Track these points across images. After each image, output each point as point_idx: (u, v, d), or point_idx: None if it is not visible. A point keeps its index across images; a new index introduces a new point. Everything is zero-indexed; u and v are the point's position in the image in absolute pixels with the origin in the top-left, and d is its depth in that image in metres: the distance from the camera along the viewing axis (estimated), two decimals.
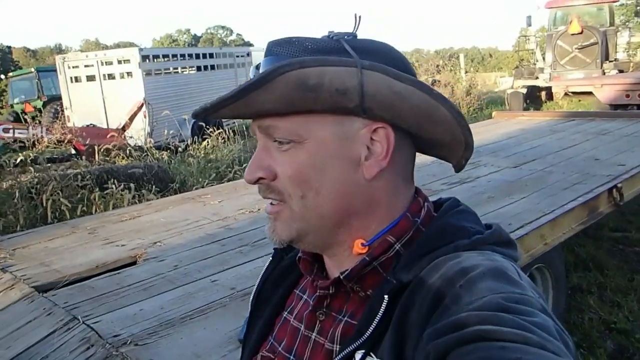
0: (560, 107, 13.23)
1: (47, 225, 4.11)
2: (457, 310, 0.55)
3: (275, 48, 0.68)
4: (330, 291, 0.72)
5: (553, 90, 12.97)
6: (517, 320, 0.51)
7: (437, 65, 17.07)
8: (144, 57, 11.54)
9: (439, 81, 15.17)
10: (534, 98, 14.47)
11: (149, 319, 1.96)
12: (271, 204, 0.71)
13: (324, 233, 0.70)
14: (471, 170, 3.97)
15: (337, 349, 0.68)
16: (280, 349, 0.77)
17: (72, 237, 3.15)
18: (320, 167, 0.67)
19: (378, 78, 0.64)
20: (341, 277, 0.69)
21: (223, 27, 65.53)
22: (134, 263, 2.63)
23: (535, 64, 15.44)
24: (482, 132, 5.89)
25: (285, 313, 0.80)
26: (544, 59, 14.57)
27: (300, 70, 0.62)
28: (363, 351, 0.63)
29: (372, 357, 0.63)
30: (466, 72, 18.02)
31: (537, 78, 14.44)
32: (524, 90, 14.19)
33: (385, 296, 0.64)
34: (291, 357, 0.74)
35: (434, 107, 0.68)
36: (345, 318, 0.70)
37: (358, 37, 0.68)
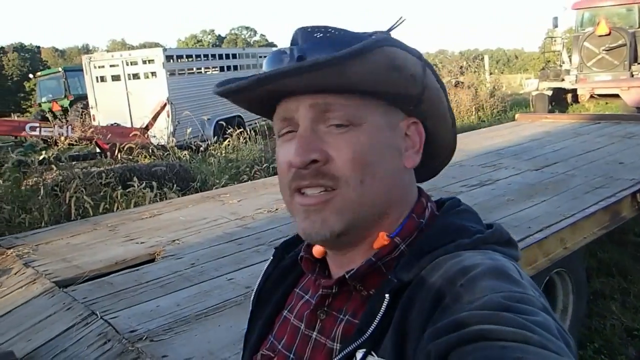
0: (586, 109, 13.02)
1: (70, 222, 4.18)
2: (458, 310, 0.55)
3: (318, 33, 0.67)
4: (334, 290, 0.71)
5: (578, 92, 12.76)
6: (517, 319, 0.51)
7: (461, 67, 16.94)
8: (168, 57, 11.67)
9: (462, 82, 15.04)
10: (560, 100, 14.23)
11: (164, 315, 1.98)
12: (308, 195, 0.67)
13: (369, 223, 0.69)
14: (491, 173, 3.94)
15: (338, 347, 0.68)
16: (280, 347, 0.77)
17: (93, 234, 3.20)
18: (378, 152, 0.67)
19: (430, 74, 0.70)
20: (347, 276, 0.69)
21: (247, 28, 65.94)
22: (152, 260, 2.66)
23: (561, 66, 15.20)
24: (504, 135, 5.84)
25: (286, 312, 0.80)
26: (570, 60, 14.33)
27: (394, 48, 0.64)
28: (364, 350, 0.63)
29: (373, 356, 0.62)
30: (491, 73, 17.84)
31: (562, 80, 14.20)
32: (549, 93, 13.96)
33: (386, 295, 0.64)
34: (291, 356, 0.74)
35: (447, 111, 0.76)
36: (347, 317, 0.70)
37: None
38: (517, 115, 7.61)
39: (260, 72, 0.66)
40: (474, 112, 14.14)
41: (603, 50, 13.25)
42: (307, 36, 0.67)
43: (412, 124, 0.72)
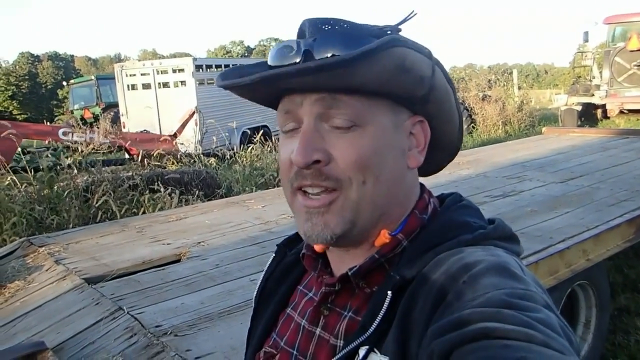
0: (617, 125, 12.82)
1: (99, 223, 4.29)
2: (460, 307, 0.55)
3: (327, 26, 0.66)
4: (337, 287, 0.71)
5: (607, 107, 12.57)
6: (520, 316, 0.51)
7: (489, 80, 16.84)
8: (198, 67, 11.88)
9: (489, 96, 14.94)
10: (589, 116, 14.04)
11: (189, 312, 2.04)
12: (310, 197, 0.67)
13: (371, 223, 0.68)
14: (516, 184, 3.93)
15: (341, 344, 0.68)
16: (282, 344, 0.77)
17: (122, 234, 3.29)
18: (381, 153, 0.66)
19: (440, 74, 0.69)
20: (349, 273, 0.68)
21: (275, 39, 66.55)
22: (178, 261, 2.73)
23: (591, 81, 15.01)
24: (530, 147, 5.80)
25: (289, 309, 0.80)
26: (601, 75, 14.14)
27: (401, 48, 0.62)
28: (367, 347, 0.63)
29: (375, 352, 0.62)
30: (519, 88, 17.68)
31: (592, 95, 14.01)
32: (579, 108, 13.79)
33: (389, 292, 0.63)
34: (294, 352, 0.74)
35: (455, 111, 0.75)
36: (350, 314, 0.69)
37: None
38: (544, 129, 7.55)
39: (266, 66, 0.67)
40: (500, 126, 14.04)
41: (634, 65, 13.04)
42: (314, 29, 0.66)
43: (417, 122, 0.71)
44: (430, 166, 0.79)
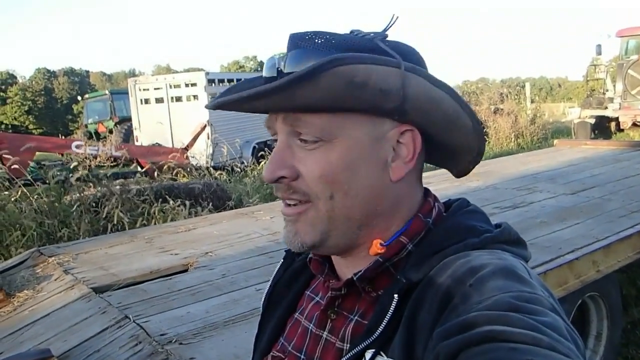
0: (630, 138, 12.71)
1: (108, 234, 4.32)
2: (467, 310, 0.54)
3: (302, 42, 0.65)
4: (343, 292, 0.71)
5: (620, 119, 12.50)
6: (527, 320, 0.50)
7: (501, 94, 16.81)
8: (210, 81, 11.98)
9: (502, 109, 14.91)
10: (603, 129, 13.95)
11: (194, 321, 2.04)
12: (288, 204, 0.69)
13: (348, 235, 0.68)
14: (526, 196, 3.90)
15: (348, 347, 0.67)
16: (290, 348, 0.76)
17: (130, 245, 3.31)
18: (350, 168, 0.65)
19: (418, 82, 0.64)
20: (354, 278, 0.68)
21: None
22: (185, 270, 2.74)
23: (604, 94, 14.93)
24: (542, 159, 5.77)
25: (297, 314, 0.80)
26: (614, 88, 14.07)
27: (350, 65, 0.60)
28: (373, 350, 0.62)
29: (382, 356, 0.62)
30: (532, 101, 17.64)
31: (606, 108, 13.94)
32: (592, 121, 13.71)
33: (395, 295, 0.63)
34: (302, 357, 0.74)
35: (459, 114, 0.69)
36: (356, 317, 0.69)
37: (387, 39, 0.67)
38: (556, 141, 7.51)
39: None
40: (513, 139, 13.99)
41: None
42: (291, 44, 0.66)
43: (406, 131, 0.68)
44: (456, 170, 0.79)
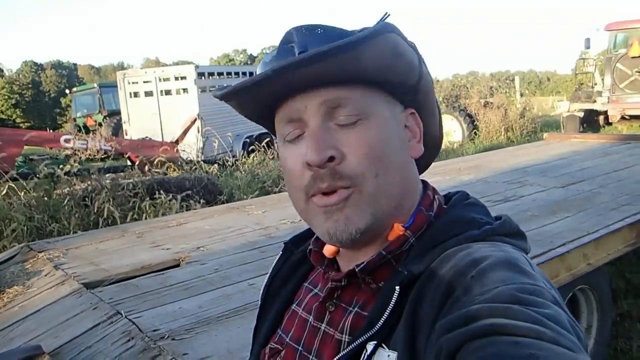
0: (619, 131, 12.80)
1: (99, 229, 4.29)
2: (469, 302, 0.54)
3: (307, 31, 0.66)
4: (343, 283, 0.71)
5: (609, 113, 12.58)
6: (529, 312, 0.50)
7: (491, 87, 16.85)
8: (200, 74, 11.90)
9: (491, 103, 14.95)
10: (592, 122, 14.03)
11: (187, 316, 2.03)
12: (326, 194, 0.66)
13: (388, 215, 0.68)
14: (516, 189, 3.92)
15: (347, 339, 0.68)
16: (288, 340, 0.77)
17: (121, 240, 3.29)
18: (388, 143, 0.67)
19: (424, 64, 0.71)
20: (357, 269, 0.68)
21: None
22: (177, 265, 2.72)
23: (593, 88, 15.02)
24: (531, 153, 5.80)
25: (294, 306, 0.80)
26: (602, 82, 14.14)
27: (394, 34, 0.65)
28: (375, 342, 0.63)
29: (384, 348, 0.62)
30: (522, 94, 17.70)
31: (594, 102, 14.02)
32: (581, 114, 13.78)
33: (397, 287, 0.63)
34: (299, 348, 0.74)
35: (436, 104, 0.77)
36: (355, 309, 0.69)
37: None
38: (545, 135, 7.56)
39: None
40: (503, 133, 14.04)
41: (636, 71, 13.04)
42: (304, 33, 0.66)
43: (410, 114, 0.73)
44: (419, 165, 0.78)
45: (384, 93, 0.69)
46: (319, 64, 0.61)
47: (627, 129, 12.52)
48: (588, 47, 15.39)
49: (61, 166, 6.45)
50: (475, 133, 13.98)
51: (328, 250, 0.75)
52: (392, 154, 0.67)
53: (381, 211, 0.67)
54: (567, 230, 2.77)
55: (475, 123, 14.13)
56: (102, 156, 8.49)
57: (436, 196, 0.75)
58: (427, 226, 0.70)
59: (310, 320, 0.75)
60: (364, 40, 0.61)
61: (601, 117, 14.01)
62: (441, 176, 4.58)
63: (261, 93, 0.66)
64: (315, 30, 0.66)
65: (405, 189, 0.70)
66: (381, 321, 0.63)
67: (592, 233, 2.68)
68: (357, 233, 0.66)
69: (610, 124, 13.64)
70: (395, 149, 0.68)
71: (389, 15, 0.67)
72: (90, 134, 9.43)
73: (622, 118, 12.41)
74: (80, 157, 7.57)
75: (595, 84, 14.54)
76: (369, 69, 0.64)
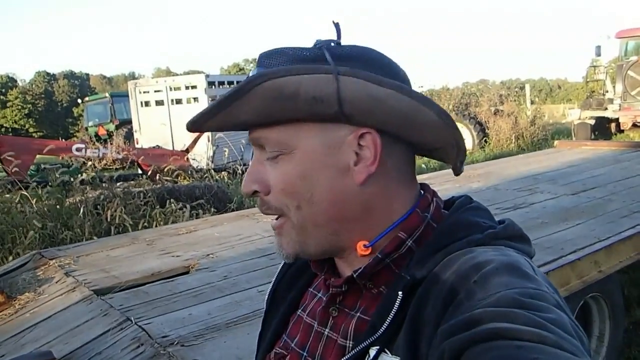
0: (631, 139, 12.71)
1: (110, 236, 4.32)
2: (471, 307, 0.54)
3: (264, 60, 0.68)
4: (343, 289, 0.71)
5: (620, 120, 12.51)
6: (532, 317, 0.50)
7: (501, 95, 16.81)
8: (210, 84, 11.98)
9: (502, 111, 14.90)
10: (603, 130, 13.95)
11: (196, 322, 2.04)
12: (274, 218, 0.72)
13: (324, 242, 0.70)
14: (527, 197, 3.91)
15: (350, 344, 0.68)
16: (293, 345, 0.77)
17: (132, 247, 3.31)
18: (309, 177, 0.67)
19: (355, 84, 0.64)
20: (354, 275, 0.69)
21: None
22: (186, 272, 2.74)
23: (604, 95, 14.93)
24: (542, 160, 5.77)
25: (299, 311, 0.80)
26: (614, 89, 14.07)
27: (274, 80, 0.63)
28: (377, 347, 0.63)
29: (386, 353, 0.62)
30: (532, 102, 17.64)
31: (605, 109, 13.94)
32: (592, 122, 13.71)
33: (400, 292, 0.63)
34: (304, 354, 0.74)
35: (417, 110, 0.66)
36: (358, 314, 0.70)
37: (342, 44, 0.68)
38: (556, 142, 7.52)
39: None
40: (513, 141, 13.99)
41: None
42: (259, 62, 0.69)
43: (365, 134, 0.67)
44: (452, 168, 0.77)
45: (315, 123, 0.66)
46: (211, 119, 0.68)
47: (639, 137, 12.42)
48: (599, 55, 15.33)
49: (76, 175, 6.52)
50: (485, 141, 13.95)
51: None
52: (316, 185, 0.67)
53: (312, 239, 0.70)
54: (577, 238, 2.75)
55: (485, 131, 14.10)
56: (118, 166, 8.56)
57: (434, 199, 0.74)
58: (426, 229, 0.69)
59: (314, 325, 0.75)
60: (227, 100, 0.65)
61: (612, 125, 13.93)
62: (451, 184, 4.57)
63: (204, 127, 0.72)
64: (272, 56, 0.68)
65: (343, 216, 0.68)
66: (384, 326, 0.63)
67: (603, 240, 2.66)
68: (288, 257, 0.72)
69: (622, 131, 13.56)
70: (322, 179, 0.67)
71: (337, 23, 0.69)
72: (107, 143, 9.51)
73: (634, 125, 12.35)
74: (96, 166, 7.64)
75: (607, 92, 14.47)
76: (258, 118, 0.67)
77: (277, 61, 0.67)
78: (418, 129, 0.68)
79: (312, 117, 0.66)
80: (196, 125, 0.70)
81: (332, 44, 0.67)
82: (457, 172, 0.77)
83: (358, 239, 0.70)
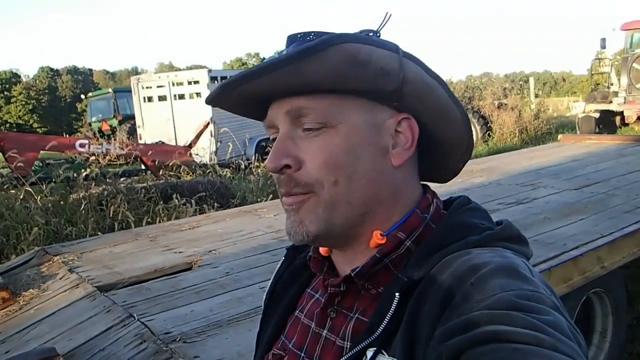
0: (636, 132, 12.65)
1: (113, 232, 4.34)
2: (468, 309, 0.54)
3: (305, 37, 0.67)
4: (342, 289, 0.71)
5: (625, 113, 12.45)
6: (529, 319, 0.50)
7: (505, 89, 16.75)
8: (213, 79, 11.97)
9: (505, 104, 14.86)
10: (608, 123, 13.88)
11: (198, 319, 2.04)
12: (289, 194, 0.69)
13: (350, 223, 0.69)
14: (529, 192, 3.89)
15: (348, 346, 0.68)
16: (290, 346, 0.77)
17: (135, 243, 3.32)
18: (353, 153, 0.66)
19: (414, 67, 0.68)
20: (352, 274, 0.68)
21: None
22: (189, 269, 2.74)
23: (609, 88, 14.84)
24: (545, 155, 5.75)
25: (297, 312, 0.80)
26: (619, 82, 13.98)
27: (352, 44, 0.63)
28: (374, 349, 0.63)
29: (383, 354, 0.62)
30: (536, 95, 17.56)
31: (610, 102, 13.86)
32: (597, 115, 13.64)
33: (397, 293, 0.63)
34: (302, 355, 0.74)
35: (450, 106, 0.71)
36: (356, 315, 0.70)
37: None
38: (560, 136, 7.49)
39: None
40: (517, 134, 13.95)
41: None
42: (289, 41, 0.68)
43: (403, 119, 0.70)
44: (446, 170, 0.79)
45: (361, 100, 0.67)
46: (263, 78, 0.64)
47: None
48: (604, 47, 15.24)
49: (80, 170, 6.54)
50: (489, 135, 13.91)
51: (322, 248, 0.76)
52: (359, 163, 0.67)
53: (340, 218, 0.68)
54: (580, 233, 2.74)
55: (489, 125, 14.06)
56: (122, 162, 8.58)
57: (434, 200, 0.74)
58: (425, 230, 0.70)
59: (312, 326, 0.75)
60: (297, 56, 0.62)
61: (617, 118, 13.86)
62: (453, 179, 4.56)
63: (238, 100, 0.71)
64: (307, 36, 0.67)
65: (377, 197, 0.69)
66: (381, 328, 0.63)
67: (606, 236, 2.65)
68: (309, 237, 0.68)
69: (627, 124, 13.49)
70: (364, 158, 0.67)
71: (390, 16, 0.69)
72: (112, 139, 9.52)
73: (639, 118, 12.26)
74: (100, 162, 7.66)
75: (612, 84, 14.39)
76: (322, 81, 0.64)
77: (304, 41, 0.66)
78: (446, 124, 0.72)
79: (370, 90, 0.66)
80: (248, 79, 0.66)
81: (376, 34, 0.68)
82: (454, 174, 0.81)
83: (375, 227, 0.69)
